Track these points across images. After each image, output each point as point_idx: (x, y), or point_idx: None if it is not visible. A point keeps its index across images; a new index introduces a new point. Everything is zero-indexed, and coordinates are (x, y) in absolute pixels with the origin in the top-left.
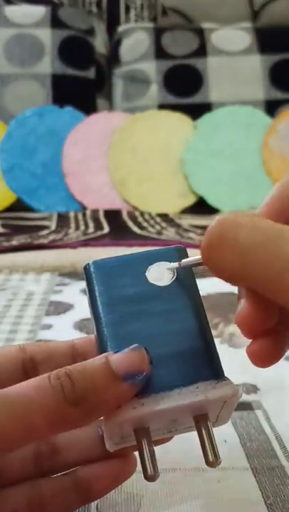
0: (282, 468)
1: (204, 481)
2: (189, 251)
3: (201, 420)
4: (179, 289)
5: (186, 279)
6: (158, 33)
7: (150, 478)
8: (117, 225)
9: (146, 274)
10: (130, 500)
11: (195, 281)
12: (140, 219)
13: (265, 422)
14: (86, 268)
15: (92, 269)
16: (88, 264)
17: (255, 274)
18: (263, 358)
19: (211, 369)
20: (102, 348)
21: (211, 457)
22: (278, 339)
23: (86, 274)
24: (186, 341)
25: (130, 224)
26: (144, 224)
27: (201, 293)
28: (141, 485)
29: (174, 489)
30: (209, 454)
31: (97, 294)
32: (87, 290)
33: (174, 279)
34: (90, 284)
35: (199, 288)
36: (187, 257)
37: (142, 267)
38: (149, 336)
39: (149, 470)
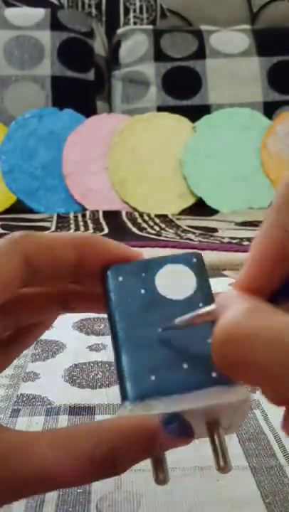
0: (280, 468)
1: (203, 480)
2: (188, 251)
3: (214, 426)
4: (193, 295)
5: (199, 289)
6: (157, 35)
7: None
8: (116, 226)
9: (156, 282)
10: (130, 499)
11: (210, 289)
12: (139, 220)
13: (263, 422)
14: (103, 272)
15: (108, 273)
16: (106, 268)
17: (274, 385)
18: None
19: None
20: (116, 348)
21: (223, 463)
22: None
23: (103, 277)
24: (200, 346)
25: (130, 225)
26: (144, 225)
27: None
28: (140, 484)
29: (173, 488)
30: (221, 460)
31: (112, 298)
32: (104, 292)
33: (187, 295)
34: (106, 288)
35: None
36: (203, 262)
37: (155, 273)
38: (164, 340)
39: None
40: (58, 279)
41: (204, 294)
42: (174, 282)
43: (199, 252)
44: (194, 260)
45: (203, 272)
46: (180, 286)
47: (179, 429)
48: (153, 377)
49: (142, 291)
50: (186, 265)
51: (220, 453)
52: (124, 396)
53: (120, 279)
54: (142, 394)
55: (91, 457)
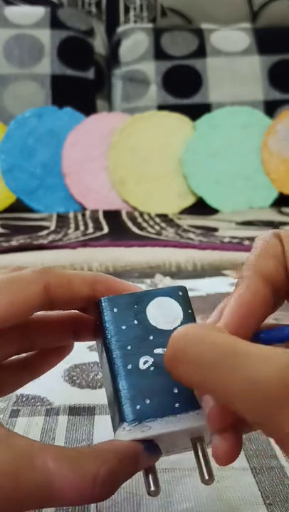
0: (281, 469)
1: None
2: (189, 251)
3: (198, 442)
4: (180, 326)
5: (186, 320)
6: (157, 33)
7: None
8: (116, 226)
9: (147, 313)
10: (130, 500)
11: (195, 320)
12: (139, 219)
13: None
14: (98, 303)
15: (103, 304)
16: (100, 299)
17: (214, 389)
18: (231, 455)
19: None
20: (113, 374)
21: (207, 476)
22: (239, 435)
23: (99, 307)
24: None
25: (130, 224)
26: (144, 224)
27: (201, 293)
28: (140, 485)
29: (173, 489)
30: (205, 473)
31: (108, 328)
32: (99, 322)
33: (175, 325)
34: (102, 318)
35: (199, 289)
36: (187, 295)
37: (146, 305)
38: (156, 367)
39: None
40: (71, 309)
41: None
42: (163, 314)
43: (183, 285)
44: (180, 293)
45: (188, 304)
46: (169, 317)
47: (154, 449)
48: (148, 401)
49: (135, 321)
50: (173, 298)
51: (204, 466)
52: (121, 418)
53: (115, 310)
54: (138, 416)
55: (94, 477)
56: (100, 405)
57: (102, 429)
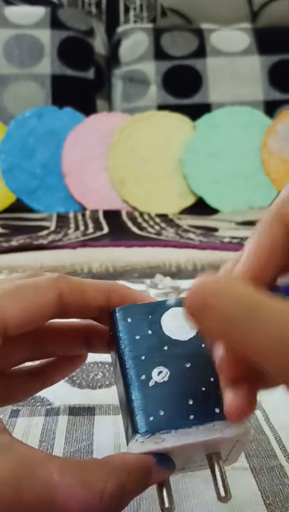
0: (281, 468)
1: (203, 481)
2: (189, 251)
3: (214, 458)
4: (195, 336)
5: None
6: (157, 33)
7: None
8: (116, 226)
9: (162, 323)
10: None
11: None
12: (140, 219)
13: (264, 422)
14: (112, 313)
15: (117, 314)
16: (115, 309)
17: (239, 342)
18: (244, 411)
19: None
20: (126, 384)
21: (223, 493)
22: (253, 390)
23: (113, 317)
24: (204, 384)
25: (130, 224)
26: (144, 224)
27: None
28: None
29: (173, 489)
30: (221, 490)
31: (122, 337)
32: (113, 332)
33: (191, 336)
34: (115, 328)
35: None
36: None
37: (161, 315)
38: (171, 377)
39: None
40: (84, 317)
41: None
42: (178, 324)
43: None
44: None
45: None
46: (184, 328)
47: (168, 463)
48: (162, 413)
49: (149, 331)
50: None
51: (220, 483)
52: (134, 430)
53: (129, 320)
54: (151, 428)
55: (101, 491)
56: (100, 405)
57: (102, 429)
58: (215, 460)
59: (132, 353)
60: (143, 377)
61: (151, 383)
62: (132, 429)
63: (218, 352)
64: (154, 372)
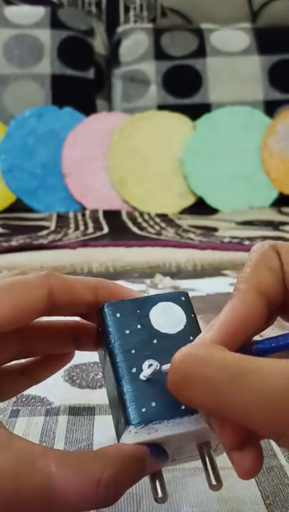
0: (281, 468)
1: (203, 481)
2: (189, 251)
3: (204, 447)
4: (183, 330)
5: (189, 324)
6: (157, 33)
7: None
8: (116, 226)
9: (150, 317)
10: (129, 501)
11: (198, 324)
12: (140, 219)
13: None
14: (101, 309)
15: (106, 310)
16: (103, 305)
17: (225, 407)
18: (255, 467)
19: None
20: (117, 378)
21: (214, 481)
22: (257, 445)
23: (102, 313)
24: None
25: (130, 224)
26: (144, 224)
27: (201, 293)
28: (140, 485)
29: (173, 489)
30: (212, 478)
31: (111, 332)
32: (102, 328)
33: (179, 329)
34: (104, 324)
35: (199, 289)
36: (190, 300)
37: (149, 309)
38: (161, 370)
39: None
40: (73, 314)
41: (193, 329)
42: (167, 318)
43: (186, 291)
44: (182, 298)
45: (190, 309)
46: (172, 322)
47: (161, 453)
48: (153, 404)
49: (139, 326)
50: (176, 303)
51: (211, 472)
52: (127, 421)
53: (118, 315)
54: (144, 419)
55: (98, 480)
56: (100, 405)
57: (102, 429)
58: (205, 450)
59: (122, 347)
60: (134, 370)
61: (142, 376)
62: (124, 421)
63: (215, 423)
64: (145, 365)
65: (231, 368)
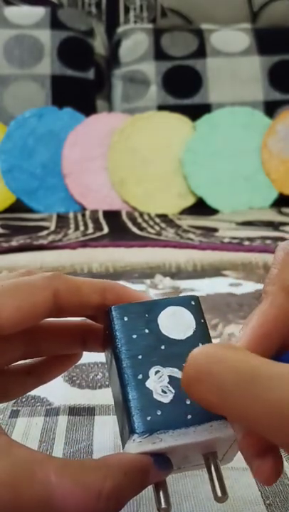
0: None
1: (203, 481)
2: (189, 251)
3: (211, 457)
4: (193, 335)
5: (198, 329)
6: (157, 34)
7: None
8: (116, 226)
9: (159, 322)
10: (129, 501)
11: (207, 330)
12: (139, 220)
13: None
14: (109, 311)
15: (113, 313)
16: (111, 308)
17: (233, 411)
18: (276, 474)
19: None
20: (122, 384)
21: (220, 493)
22: (276, 451)
23: (109, 316)
24: None
25: (130, 225)
26: (144, 225)
27: (200, 294)
28: None
29: (173, 489)
30: (218, 490)
31: (118, 336)
32: (109, 331)
33: (188, 335)
34: (111, 327)
35: (199, 289)
36: (200, 305)
37: (158, 314)
38: (168, 377)
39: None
40: (80, 316)
41: (203, 334)
42: (176, 323)
43: (196, 295)
44: (193, 303)
45: (201, 314)
46: (181, 327)
47: (165, 463)
48: (159, 412)
49: (146, 330)
50: (186, 307)
51: (217, 483)
52: (131, 430)
53: (125, 318)
54: (149, 428)
55: (99, 491)
56: (100, 405)
57: (102, 429)
58: (212, 460)
59: (128, 352)
60: (140, 376)
61: (148, 383)
62: (129, 429)
63: (238, 429)
64: (151, 372)
65: (242, 370)
